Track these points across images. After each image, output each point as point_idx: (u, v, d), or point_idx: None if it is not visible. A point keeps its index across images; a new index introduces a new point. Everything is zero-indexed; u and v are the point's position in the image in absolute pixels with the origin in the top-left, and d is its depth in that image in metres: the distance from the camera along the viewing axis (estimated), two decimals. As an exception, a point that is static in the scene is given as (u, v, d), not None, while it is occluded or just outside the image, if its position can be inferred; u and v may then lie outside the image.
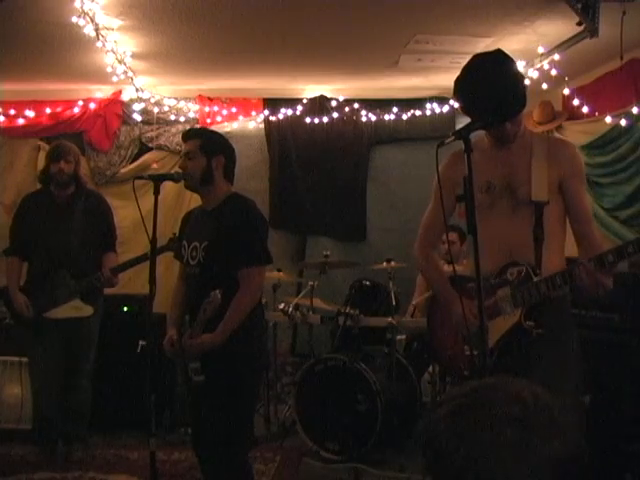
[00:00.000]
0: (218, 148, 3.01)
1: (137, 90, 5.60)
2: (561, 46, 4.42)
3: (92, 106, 5.83)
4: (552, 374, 2.31)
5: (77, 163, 4.19)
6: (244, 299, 2.86)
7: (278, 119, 6.08)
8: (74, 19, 3.98)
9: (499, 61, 2.51)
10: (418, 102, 6.06)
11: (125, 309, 4.91)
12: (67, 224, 4.11)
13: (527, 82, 2.53)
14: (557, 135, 5.55)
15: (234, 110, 6.06)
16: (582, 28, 3.92)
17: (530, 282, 2.41)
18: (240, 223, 2.91)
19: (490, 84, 2.41)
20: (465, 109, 2.48)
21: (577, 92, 5.03)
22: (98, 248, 4.19)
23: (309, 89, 6.14)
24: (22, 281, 4.21)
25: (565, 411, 0.99)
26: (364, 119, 6.08)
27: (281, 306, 4.74)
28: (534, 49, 4.57)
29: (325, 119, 6.04)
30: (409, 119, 6.07)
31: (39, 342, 4.08)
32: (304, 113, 6.04)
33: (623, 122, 4.51)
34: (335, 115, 6.05)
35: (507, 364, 2.42)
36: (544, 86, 4.90)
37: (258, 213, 3.02)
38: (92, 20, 4.00)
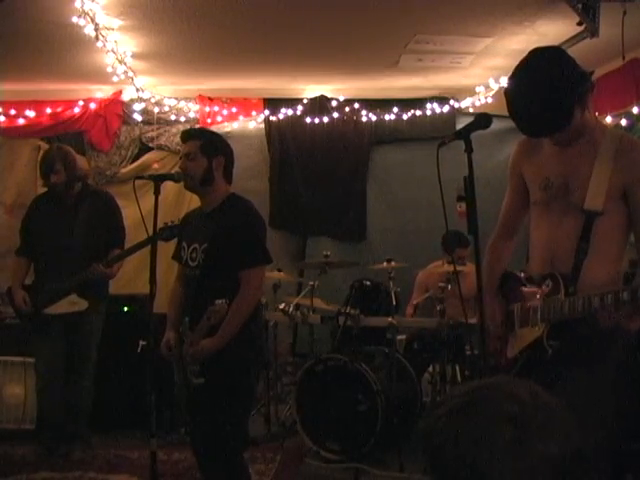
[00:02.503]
0: (218, 149, 3.01)
1: (137, 90, 5.60)
2: (561, 46, 4.42)
3: (92, 106, 5.83)
4: (574, 400, 2.11)
5: (68, 166, 4.15)
6: (245, 301, 2.86)
7: (278, 119, 6.08)
8: (74, 19, 3.98)
9: (550, 67, 2.20)
10: (418, 102, 6.06)
11: (125, 309, 4.91)
12: (70, 224, 4.15)
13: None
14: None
15: (234, 110, 6.06)
16: (582, 28, 3.92)
17: (557, 299, 2.23)
18: (239, 224, 2.91)
19: (533, 94, 2.18)
20: (509, 113, 2.30)
21: (577, 92, 5.03)
22: (104, 247, 4.21)
23: (309, 89, 6.14)
24: (30, 280, 4.30)
25: (565, 411, 0.99)
26: (364, 119, 6.08)
27: (281, 306, 4.75)
28: (534, 49, 4.58)
29: (325, 119, 6.04)
30: (409, 119, 6.07)
31: (42, 340, 4.14)
32: (304, 113, 6.04)
33: (623, 122, 4.52)
34: (335, 115, 6.05)
35: (531, 377, 2.18)
36: (544, 86, 4.90)
37: (256, 214, 3.02)
38: (92, 20, 4.00)
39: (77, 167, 4.24)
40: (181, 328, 2.95)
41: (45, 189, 4.34)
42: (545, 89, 2.18)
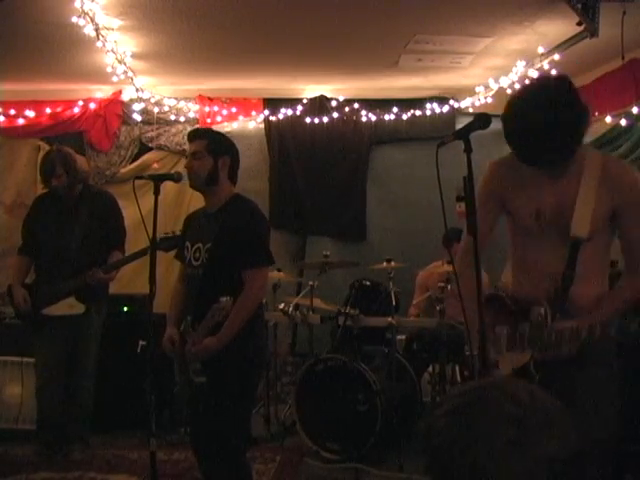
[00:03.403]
0: (224, 149, 3.03)
1: (137, 90, 5.60)
2: (561, 46, 4.42)
3: (92, 106, 5.83)
4: (574, 402, 2.02)
5: (70, 169, 4.14)
6: (247, 300, 2.87)
7: (278, 119, 6.08)
8: (74, 19, 3.98)
9: (559, 101, 2.15)
10: (418, 102, 6.05)
11: (125, 309, 4.91)
12: (70, 225, 4.15)
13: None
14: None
15: (234, 110, 6.06)
16: (582, 28, 3.92)
17: (544, 326, 2.20)
18: (243, 225, 2.92)
19: (540, 126, 2.13)
20: (508, 135, 2.24)
21: (577, 92, 5.03)
22: (103, 247, 4.21)
23: (309, 89, 6.14)
24: (31, 280, 4.31)
25: (564, 412, 0.99)
26: (364, 119, 6.08)
27: (281, 306, 4.75)
28: (534, 49, 4.58)
29: (325, 119, 6.04)
30: (409, 119, 6.07)
31: (41, 340, 4.15)
32: (304, 113, 6.04)
33: (623, 122, 4.52)
34: (335, 115, 6.05)
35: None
36: (544, 86, 4.90)
37: (260, 214, 3.05)
38: (92, 20, 4.00)
39: (78, 169, 4.23)
40: (182, 327, 2.95)
41: (46, 189, 4.34)
42: (553, 124, 2.13)
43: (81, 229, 4.16)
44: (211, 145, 2.99)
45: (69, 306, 4.11)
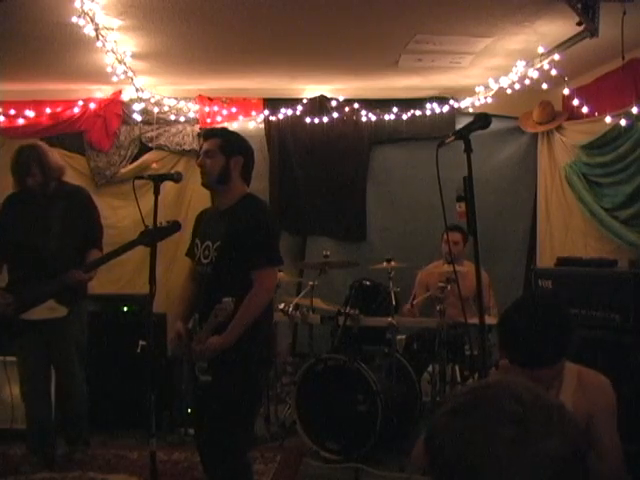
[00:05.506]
0: (237, 149, 3.04)
1: (137, 90, 5.59)
2: (561, 46, 4.43)
3: (92, 106, 5.83)
4: None
5: (45, 167, 3.96)
6: (255, 300, 2.87)
7: (278, 119, 6.08)
8: (74, 19, 3.98)
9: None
10: (418, 102, 6.05)
11: (125, 309, 4.91)
12: (45, 224, 3.97)
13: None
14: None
15: (234, 110, 6.06)
16: (582, 28, 3.92)
17: None
18: (253, 224, 2.93)
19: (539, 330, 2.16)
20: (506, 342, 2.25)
21: (577, 92, 5.04)
22: (80, 247, 4.03)
23: (309, 89, 6.14)
24: (5, 283, 4.06)
25: (565, 411, 0.99)
26: (364, 119, 6.08)
27: (281, 306, 4.75)
28: (534, 49, 4.58)
29: (325, 119, 6.04)
30: (409, 119, 6.06)
31: (20, 345, 4.01)
32: (304, 113, 6.04)
33: (623, 122, 4.52)
34: (335, 115, 6.05)
35: None
36: (544, 86, 4.91)
37: (271, 214, 3.07)
38: (92, 20, 4.00)
39: (53, 166, 4.04)
40: (191, 325, 2.96)
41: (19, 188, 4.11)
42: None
43: (57, 227, 3.96)
44: (224, 144, 3.01)
45: (50, 309, 3.91)
